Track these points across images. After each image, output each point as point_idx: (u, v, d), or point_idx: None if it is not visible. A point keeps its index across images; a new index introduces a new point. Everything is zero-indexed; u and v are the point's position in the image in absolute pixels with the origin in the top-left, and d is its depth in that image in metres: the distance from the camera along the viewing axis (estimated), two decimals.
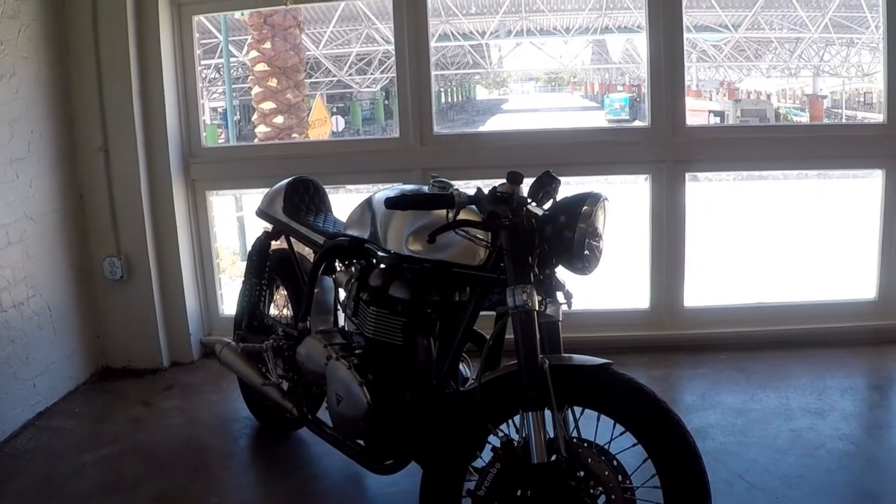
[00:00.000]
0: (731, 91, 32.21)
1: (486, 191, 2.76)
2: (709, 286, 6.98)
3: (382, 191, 3.41)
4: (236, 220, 11.91)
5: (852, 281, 6.62)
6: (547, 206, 2.79)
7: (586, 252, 2.67)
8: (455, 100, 41.64)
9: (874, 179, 5.37)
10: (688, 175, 5.24)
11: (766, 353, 5.06)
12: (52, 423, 4.58)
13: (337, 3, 15.77)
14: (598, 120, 32.10)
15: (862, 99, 29.13)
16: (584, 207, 2.67)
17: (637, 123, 18.46)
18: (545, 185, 2.74)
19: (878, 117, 5.35)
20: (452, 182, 2.93)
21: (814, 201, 15.03)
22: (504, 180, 2.73)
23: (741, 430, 4.10)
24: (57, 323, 4.87)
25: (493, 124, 35.36)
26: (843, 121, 23.70)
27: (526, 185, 2.77)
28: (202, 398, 4.87)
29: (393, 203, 2.81)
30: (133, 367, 5.30)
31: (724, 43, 27.28)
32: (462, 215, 2.79)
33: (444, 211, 2.80)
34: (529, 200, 2.75)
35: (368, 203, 3.43)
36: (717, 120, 25.94)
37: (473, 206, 2.78)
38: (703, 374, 4.85)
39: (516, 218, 2.67)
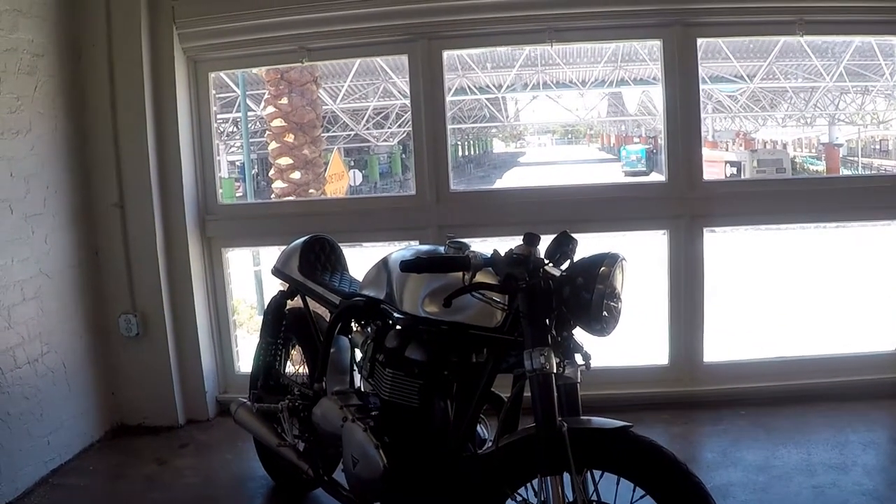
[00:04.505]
0: (748, 141, 32.31)
1: (502, 252, 2.75)
2: (728, 341, 6.93)
3: (398, 251, 3.41)
4: (254, 274, 11.93)
5: (872, 333, 6.56)
6: (564, 266, 2.77)
7: (605, 313, 2.65)
8: (472, 153, 41.94)
9: (893, 229, 5.34)
10: (705, 229, 5.21)
11: (786, 408, 5.00)
12: (65, 481, 4.55)
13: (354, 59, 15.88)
14: (614, 171, 32.23)
15: (878, 146, 29.18)
16: (602, 268, 2.65)
17: (654, 176, 18.50)
18: (562, 246, 2.73)
19: (894, 164, 5.32)
20: (469, 241, 2.92)
21: (832, 251, 14.98)
22: (520, 239, 2.73)
23: (763, 488, 4.05)
24: (71, 379, 4.86)
25: (511, 177, 35.59)
26: (860, 169, 23.72)
27: (543, 245, 2.75)
28: (217, 456, 4.84)
29: (409, 266, 2.80)
30: (148, 425, 5.26)
31: (739, 93, 27.35)
32: (478, 277, 2.77)
33: (460, 272, 2.79)
34: (546, 261, 2.74)
35: (384, 263, 3.41)
36: (734, 170, 26.04)
37: (490, 269, 2.77)
38: (724, 431, 4.79)
39: (533, 280, 2.66)
